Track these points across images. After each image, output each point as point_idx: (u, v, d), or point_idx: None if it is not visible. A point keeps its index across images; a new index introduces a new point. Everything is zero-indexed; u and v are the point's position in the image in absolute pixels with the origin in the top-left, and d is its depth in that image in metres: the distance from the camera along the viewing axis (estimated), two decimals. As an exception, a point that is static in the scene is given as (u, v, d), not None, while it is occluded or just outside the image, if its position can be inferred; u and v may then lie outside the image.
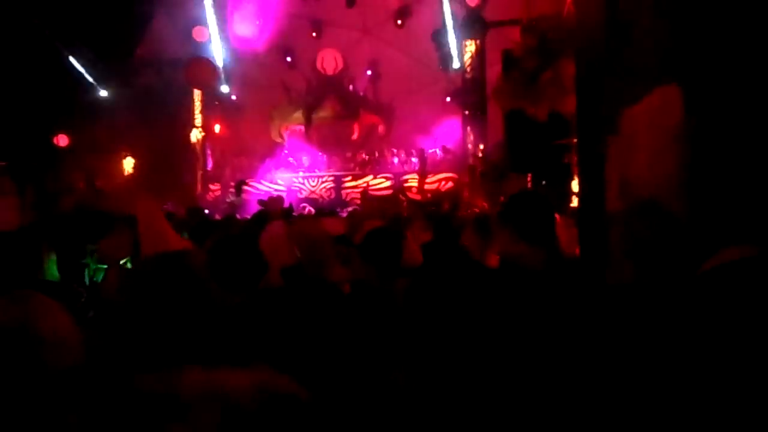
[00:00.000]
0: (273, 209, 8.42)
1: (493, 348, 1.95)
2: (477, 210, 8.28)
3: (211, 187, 15.39)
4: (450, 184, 14.24)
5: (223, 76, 15.08)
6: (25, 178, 11.78)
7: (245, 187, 14.03)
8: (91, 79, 14.43)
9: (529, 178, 10.20)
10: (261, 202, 8.80)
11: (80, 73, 14.19)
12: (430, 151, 15.28)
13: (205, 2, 14.88)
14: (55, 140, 14.04)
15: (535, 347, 1.91)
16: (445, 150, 15.16)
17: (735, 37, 1.84)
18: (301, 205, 12.15)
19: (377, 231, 2.70)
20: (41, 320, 1.39)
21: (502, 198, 8.42)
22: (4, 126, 12.01)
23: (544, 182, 8.50)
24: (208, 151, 16.25)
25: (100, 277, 3.35)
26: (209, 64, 13.79)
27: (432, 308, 2.28)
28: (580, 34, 3.46)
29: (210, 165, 16.20)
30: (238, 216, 9.42)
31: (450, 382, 1.97)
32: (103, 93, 14.76)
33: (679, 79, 2.02)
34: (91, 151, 14.30)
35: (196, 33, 15.43)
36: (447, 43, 14.49)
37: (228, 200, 13.84)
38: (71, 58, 13.67)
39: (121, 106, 14.85)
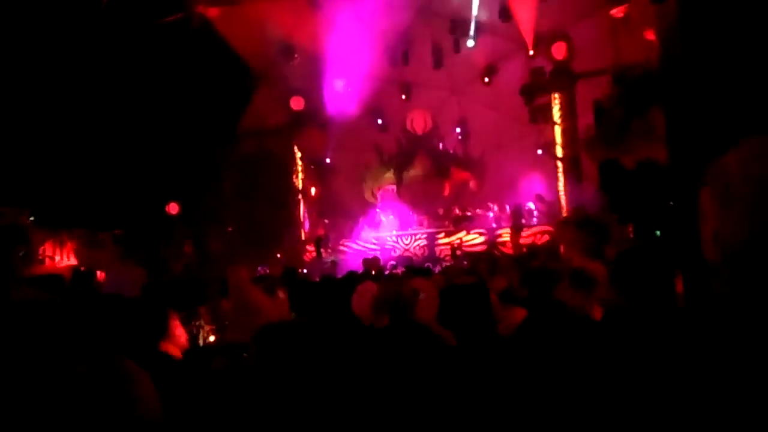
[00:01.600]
0: (367, 269, 8.62)
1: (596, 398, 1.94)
2: (574, 263, 8.04)
3: (308, 248, 15.90)
4: (546, 237, 13.93)
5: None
6: (139, 245, 12.68)
7: (330, 246, 14.43)
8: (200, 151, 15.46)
9: (630, 229, 9.84)
10: (364, 261, 9.15)
11: (190, 144, 15.26)
12: (527, 204, 15.10)
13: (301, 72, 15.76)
14: (166, 209, 15.12)
15: (637, 400, 1.88)
16: (539, 199, 14.88)
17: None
18: (390, 263, 12.26)
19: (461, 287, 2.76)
20: (137, 383, 1.54)
21: (606, 250, 8.16)
22: (121, 195, 13.13)
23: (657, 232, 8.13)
24: (305, 214, 16.89)
25: (210, 338, 3.56)
26: (321, 133, 14.46)
27: (540, 359, 2.29)
28: (666, 81, 3.41)
29: (307, 227, 16.80)
30: (334, 275, 9.67)
31: None
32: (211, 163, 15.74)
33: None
34: (200, 219, 15.27)
35: (294, 102, 16.35)
36: (535, 96, 14.51)
37: (327, 260, 14.24)
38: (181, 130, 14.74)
39: (226, 174, 15.84)
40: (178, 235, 14.68)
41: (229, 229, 15.69)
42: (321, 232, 16.18)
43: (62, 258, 13.50)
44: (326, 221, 16.79)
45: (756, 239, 2.14)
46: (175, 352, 2.75)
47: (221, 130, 15.44)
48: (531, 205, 15.14)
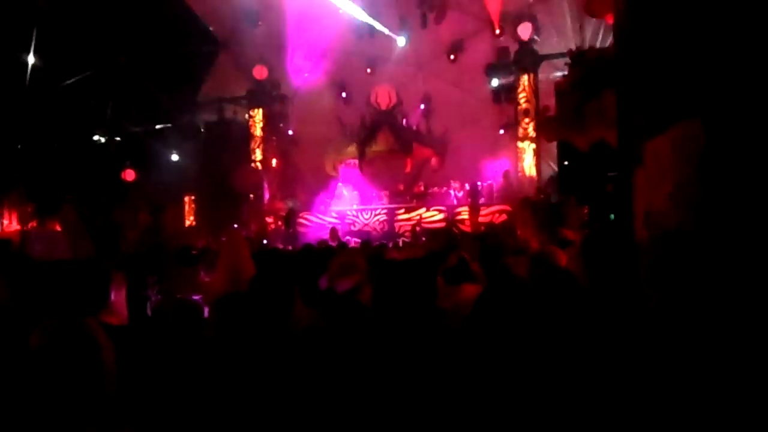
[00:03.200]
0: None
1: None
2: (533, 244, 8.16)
3: (267, 220, 15.77)
4: (504, 216, 14.10)
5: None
6: (94, 211, 12.39)
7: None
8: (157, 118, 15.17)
9: (586, 211, 10.03)
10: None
11: (148, 110, 14.94)
12: (486, 183, 15.21)
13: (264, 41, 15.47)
14: (122, 175, 14.78)
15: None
16: (506, 176, 14.99)
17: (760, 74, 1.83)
18: (346, 238, 12.28)
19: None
20: (105, 351, 1.52)
21: (563, 231, 8.28)
22: (77, 161, 12.78)
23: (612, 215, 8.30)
24: (265, 185, 16.72)
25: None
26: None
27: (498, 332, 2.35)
28: (618, 64, 3.45)
29: (266, 199, 16.65)
30: (291, 247, 9.66)
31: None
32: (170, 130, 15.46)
33: (703, 112, 2.02)
34: (156, 186, 14.98)
35: (256, 72, 16.07)
36: (500, 76, 14.58)
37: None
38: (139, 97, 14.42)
39: (185, 143, 15.55)
40: (133, 202, 14.40)
41: (186, 198, 15.46)
42: (280, 204, 16.07)
43: (10, 222, 13.12)
44: (288, 194, 16.67)
45: (684, 218, 2.21)
46: (116, 322, 2.70)
47: (180, 97, 15.09)
48: (492, 184, 15.25)
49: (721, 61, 2.23)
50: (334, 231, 11.38)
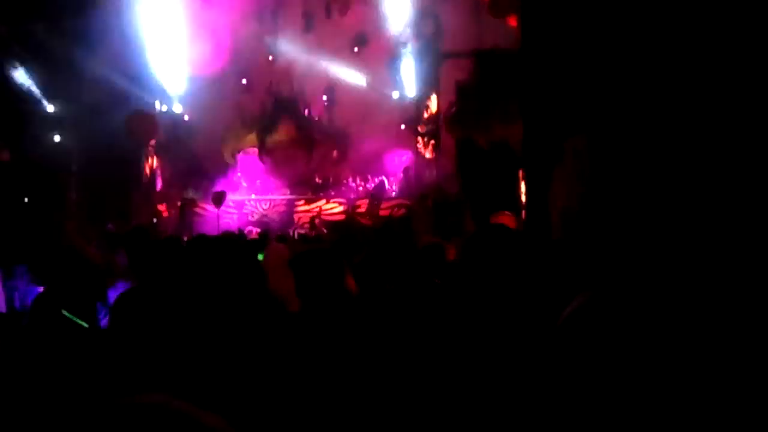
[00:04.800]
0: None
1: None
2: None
3: (159, 207, 15.06)
4: (402, 210, 14.32)
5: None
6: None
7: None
8: (39, 94, 14.05)
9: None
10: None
11: (28, 87, 13.82)
12: (389, 179, 15.37)
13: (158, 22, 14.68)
14: (-4, 155, 13.54)
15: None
16: (406, 171, 15.18)
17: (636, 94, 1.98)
18: (247, 228, 11.99)
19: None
20: None
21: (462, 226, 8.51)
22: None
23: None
24: (158, 172, 15.95)
25: (29, 299, 3.21)
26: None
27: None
28: (525, 67, 3.59)
29: (159, 185, 15.89)
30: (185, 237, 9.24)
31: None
32: (51, 108, 14.37)
33: (589, 130, 2.16)
34: (36, 168, 13.86)
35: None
36: (401, 71, 14.74)
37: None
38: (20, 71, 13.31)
39: (69, 122, 14.50)
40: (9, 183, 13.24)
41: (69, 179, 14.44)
42: (174, 193, 15.38)
43: None
44: (184, 182, 15.97)
45: (599, 216, 2.32)
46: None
47: (65, 72, 14.03)
48: (385, 181, 15.43)
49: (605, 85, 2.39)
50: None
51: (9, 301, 3.20)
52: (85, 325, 2.18)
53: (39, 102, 14.12)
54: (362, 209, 14.49)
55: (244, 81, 17.11)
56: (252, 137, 16.13)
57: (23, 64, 13.40)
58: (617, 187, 1.95)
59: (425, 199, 13.42)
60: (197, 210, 14.59)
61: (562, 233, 2.47)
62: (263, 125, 16.02)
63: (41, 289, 3.31)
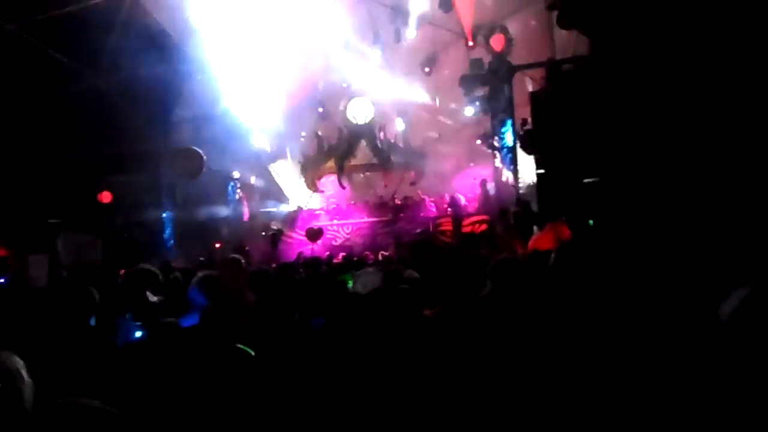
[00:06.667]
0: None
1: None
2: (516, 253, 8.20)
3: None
4: (484, 226, 14.16)
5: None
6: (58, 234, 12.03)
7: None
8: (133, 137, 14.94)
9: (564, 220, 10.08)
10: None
11: (125, 131, 14.71)
12: (466, 197, 15.30)
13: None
14: (99, 197, 14.54)
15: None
16: (483, 185, 15.05)
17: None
18: (326, 254, 12.22)
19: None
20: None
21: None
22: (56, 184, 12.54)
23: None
24: (245, 202, 16.62)
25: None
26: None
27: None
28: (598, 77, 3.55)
29: (246, 216, 16.54)
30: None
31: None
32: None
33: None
34: (133, 206, 14.79)
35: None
36: (475, 87, 14.71)
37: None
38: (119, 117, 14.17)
39: (161, 162, 15.36)
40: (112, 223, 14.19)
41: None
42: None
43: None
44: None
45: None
46: None
47: (156, 115, 14.94)
48: (462, 198, 15.34)
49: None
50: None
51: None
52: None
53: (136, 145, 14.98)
54: (444, 227, 14.47)
55: (320, 110, 17.63)
56: (331, 164, 16.51)
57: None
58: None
59: (505, 214, 13.22)
60: (284, 238, 15.04)
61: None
62: (341, 151, 16.37)
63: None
